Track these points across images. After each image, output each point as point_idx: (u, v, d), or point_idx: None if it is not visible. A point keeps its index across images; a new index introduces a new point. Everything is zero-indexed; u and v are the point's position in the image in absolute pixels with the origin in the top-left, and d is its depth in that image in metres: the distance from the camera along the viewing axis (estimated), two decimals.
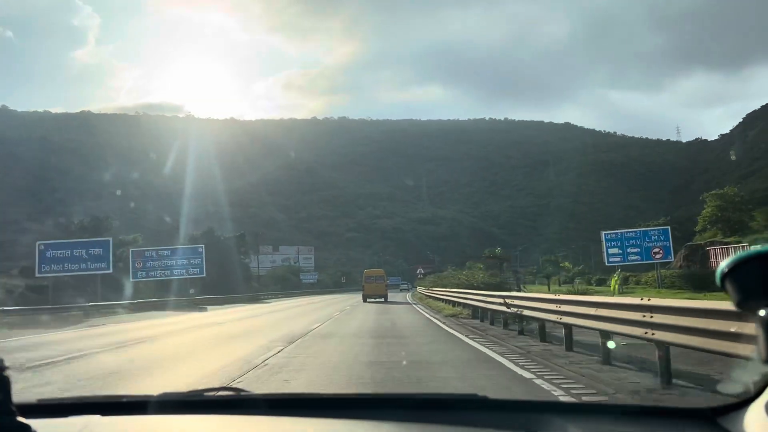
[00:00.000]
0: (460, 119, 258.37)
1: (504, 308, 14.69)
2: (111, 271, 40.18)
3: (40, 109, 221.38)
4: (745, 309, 0.71)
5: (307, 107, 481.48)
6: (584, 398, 6.19)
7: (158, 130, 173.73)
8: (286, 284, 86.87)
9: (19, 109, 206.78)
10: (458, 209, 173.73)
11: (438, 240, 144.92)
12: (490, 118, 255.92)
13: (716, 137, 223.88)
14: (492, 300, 16.94)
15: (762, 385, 0.86)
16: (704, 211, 58.54)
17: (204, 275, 49.17)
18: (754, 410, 0.93)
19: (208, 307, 38.54)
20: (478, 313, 19.96)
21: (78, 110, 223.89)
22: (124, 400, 1.45)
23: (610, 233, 45.24)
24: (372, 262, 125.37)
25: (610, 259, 42.94)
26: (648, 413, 1.21)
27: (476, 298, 19.99)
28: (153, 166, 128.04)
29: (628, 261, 42.49)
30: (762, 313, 0.62)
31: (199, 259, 48.87)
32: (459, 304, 24.45)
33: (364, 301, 39.75)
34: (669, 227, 45.86)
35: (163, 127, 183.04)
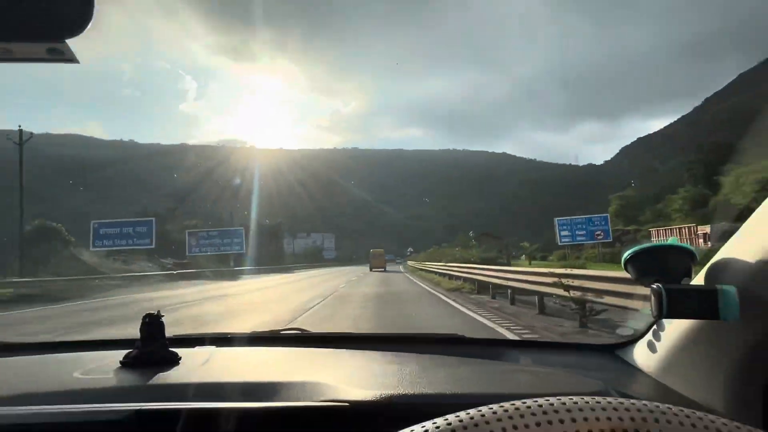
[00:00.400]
0: (432, 149, 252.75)
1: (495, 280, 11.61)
2: (153, 246, 31.83)
3: (154, 142, 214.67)
4: (642, 283, 0.70)
5: (332, 140, 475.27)
6: (526, 337, 5.80)
7: (233, 155, 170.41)
8: (312, 258, 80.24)
9: (141, 141, 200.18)
10: (433, 211, 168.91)
11: (420, 231, 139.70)
12: (453, 149, 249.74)
13: (602, 162, 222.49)
14: (489, 274, 12.41)
15: (646, 329, 0.84)
16: (610, 208, 54.57)
17: (243, 251, 40.16)
18: (641, 345, 0.92)
19: (261, 276, 32.16)
20: (486, 289, 12.75)
21: (179, 143, 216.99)
22: (229, 336, 1.46)
23: (562, 219, 38.67)
24: (374, 244, 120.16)
25: (562, 240, 36.91)
26: (566, 347, 1.18)
27: (488, 273, 12.50)
28: (228, 177, 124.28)
29: (576, 241, 37.18)
30: (654, 286, 0.59)
31: (240, 238, 39.83)
32: (458, 278, 16.89)
33: (371, 270, 36.65)
34: (608, 215, 40.23)
35: (235, 153, 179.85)
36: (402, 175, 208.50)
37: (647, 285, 0.66)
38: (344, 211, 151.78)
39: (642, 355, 0.89)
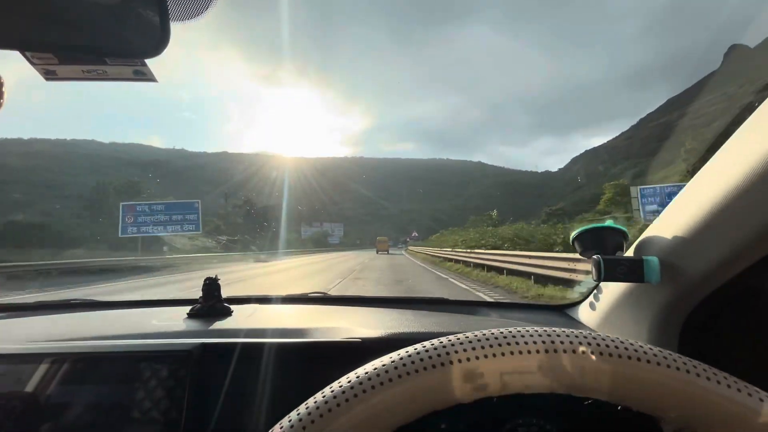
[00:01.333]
0: (422, 158, 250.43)
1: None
2: (200, 231, 24.91)
3: (203, 150, 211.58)
4: (585, 256, 0.68)
5: (343, 151, 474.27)
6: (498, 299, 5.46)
7: (265, 162, 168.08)
8: (318, 243, 70.06)
9: (190, 150, 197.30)
10: (421, 207, 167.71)
11: (411, 222, 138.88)
12: (438, 158, 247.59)
13: (556, 170, 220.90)
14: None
15: (588, 293, 0.85)
16: (605, 196, 49.33)
17: (198, 230, 25.82)
18: (584, 306, 0.90)
19: (280, 258, 30.14)
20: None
21: (221, 150, 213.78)
22: (269, 297, 1.45)
23: (647, 188, 24.31)
24: (375, 232, 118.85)
25: (647, 214, 23.58)
26: (526, 307, 1.19)
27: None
28: (249, 181, 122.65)
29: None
30: (594, 257, 0.59)
31: (196, 214, 24.11)
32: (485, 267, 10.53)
33: (377, 253, 35.86)
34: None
35: (267, 160, 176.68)
36: (398, 178, 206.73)
37: (589, 257, 0.66)
38: (352, 206, 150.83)
39: (584, 313, 0.91)
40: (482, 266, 10.36)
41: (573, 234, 0.73)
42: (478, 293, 6.72)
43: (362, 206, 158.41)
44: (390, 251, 42.14)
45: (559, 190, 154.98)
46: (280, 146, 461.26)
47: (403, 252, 43.39)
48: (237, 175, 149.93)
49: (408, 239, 67.88)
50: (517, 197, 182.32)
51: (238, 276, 10.23)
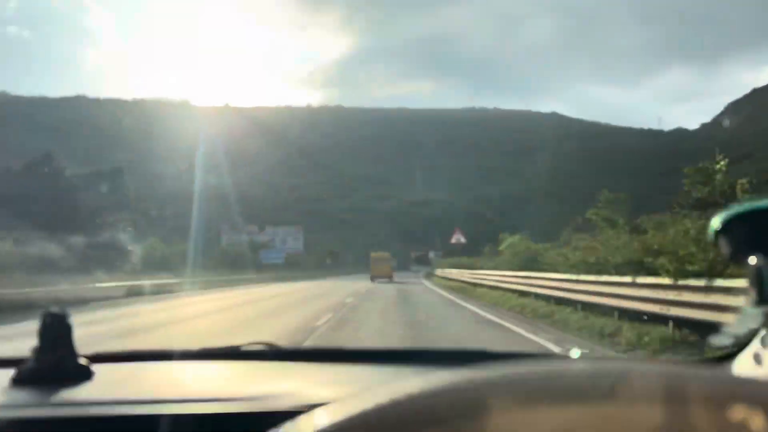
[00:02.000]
0: (450, 108, 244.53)
1: None
2: None
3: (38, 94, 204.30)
4: (736, 262, 0.70)
5: (303, 96, 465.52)
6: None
7: (159, 116, 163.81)
8: (238, 265, 58.62)
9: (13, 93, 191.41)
10: (451, 192, 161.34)
11: (431, 222, 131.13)
12: (479, 107, 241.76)
13: (697, 126, 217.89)
14: None
15: (750, 336, 0.84)
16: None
17: None
18: (743, 359, 0.92)
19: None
20: None
21: (74, 94, 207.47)
22: (171, 352, 1.53)
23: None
24: (366, 243, 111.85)
25: None
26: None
27: None
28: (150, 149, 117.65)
29: None
30: (752, 262, 0.60)
31: None
32: None
33: (372, 281, 38.36)
34: None
35: (162, 114, 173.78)
36: (404, 144, 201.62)
37: (743, 262, 0.66)
38: (319, 195, 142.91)
39: (747, 373, 0.89)
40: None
41: (714, 223, 0.74)
42: None
43: (341, 194, 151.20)
44: (396, 277, 43.42)
45: (698, 162, 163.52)
46: (188, 88, 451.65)
47: (421, 279, 43.85)
48: (100, 137, 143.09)
49: (431, 253, 68.91)
50: (623, 173, 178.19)
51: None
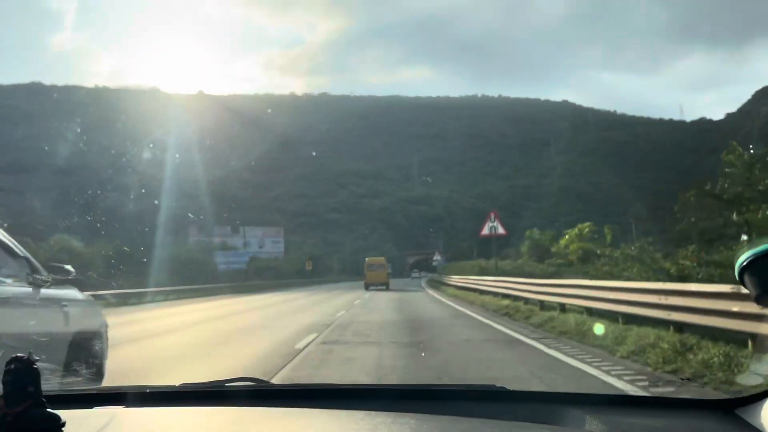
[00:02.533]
0: (451, 96, 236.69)
1: None
2: None
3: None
4: (763, 304, 0.69)
5: (285, 84, 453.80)
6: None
7: (123, 105, 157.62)
8: (189, 272, 50.04)
9: None
10: (453, 189, 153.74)
11: (432, 221, 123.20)
12: (482, 95, 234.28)
13: (723, 116, 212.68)
14: None
15: None
16: None
17: None
18: None
19: None
20: None
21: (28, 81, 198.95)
22: (147, 390, 1.52)
23: None
24: (356, 247, 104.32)
25: None
26: (659, 405, 1.18)
27: None
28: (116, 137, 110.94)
29: None
30: None
31: None
32: None
33: (366, 289, 39.42)
34: None
35: (128, 102, 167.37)
36: (400, 135, 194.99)
37: None
38: (303, 192, 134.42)
39: None
40: None
41: (741, 259, 0.73)
42: None
43: (327, 191, 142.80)
44: (393, 285, 43.70)
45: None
46: (154, 73, 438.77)
47: (422, 284, 45.84)
48: (55, 127, 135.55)
49: (434, 258, 67.49)
50: (646, 168, 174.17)
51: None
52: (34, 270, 4.77)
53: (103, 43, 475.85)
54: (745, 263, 0.73)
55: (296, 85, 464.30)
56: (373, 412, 1.17)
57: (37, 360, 1.08)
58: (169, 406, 1.37)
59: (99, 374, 5.25)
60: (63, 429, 1.05)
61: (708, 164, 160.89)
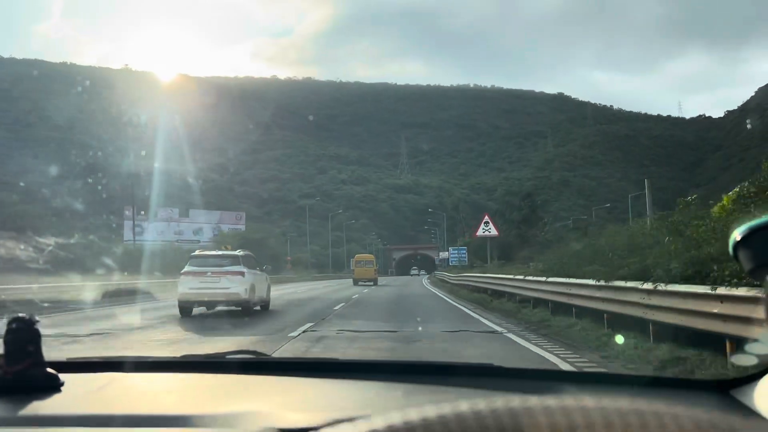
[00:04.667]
0: (442, 85, 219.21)
1: None
2: None
3: None
4: (757, 278, 0.70)
5: (269, 69, 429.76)
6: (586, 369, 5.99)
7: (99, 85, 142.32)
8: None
9: None
10: (444, 179, 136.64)
11: (422, 212, 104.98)
12: (475, 85, 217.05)
13: (723, 114, 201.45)
14: None
15: None
16: None
17: None
18: (766, 382, 0.92)
19: None
20: None
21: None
22: (149, 360, 1.53)
23: None
24: (334, 238, 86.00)
25: None
26: (660, 384, 1.18)
27: None
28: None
29: None
30: None
31: None
32: None
33: (355, 284, 39.22)
34: None
35: (98, 82, 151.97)
36: (388, 123, 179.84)
37: (764, 278, 0.64)
38: (276, 174, 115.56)
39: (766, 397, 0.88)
40: None
41: (734, 233, 0.73)
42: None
43: (303, 174, 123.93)
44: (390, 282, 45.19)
45: (729, 152, 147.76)
46: (127, 53, 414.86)
47: (424, 281, 45.66)
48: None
49: (452, 250, 57.47)
50: (651, 162, 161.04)
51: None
52: (259, 266, 15.59)
53: (82, 28, 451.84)
54: (739, 237, 0.72)
55: (278, 69, 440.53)
56: (369, 383, 1.17)
57: (37, 321, 1.06)
58: (165, 373, 1.37)
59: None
60: (62, 389, 1.04)
61: (712, 162, 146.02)
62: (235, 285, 13.57)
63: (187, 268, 14.26)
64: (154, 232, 68.58)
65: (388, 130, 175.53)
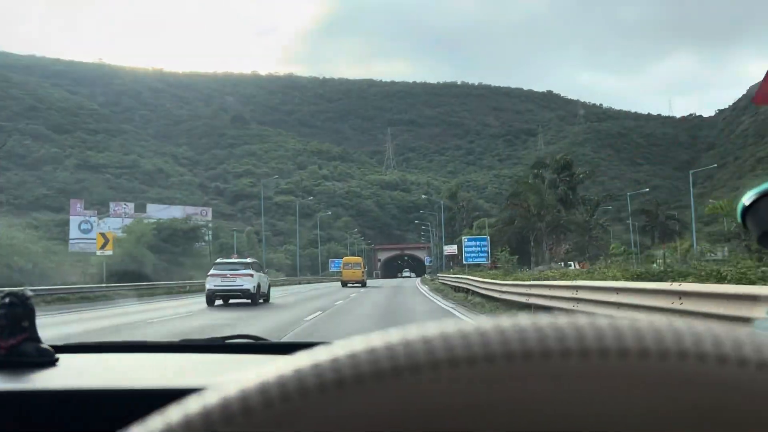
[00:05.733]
0: (428, 82, 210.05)
1: None
2: None
3: None
4: (766, 245, 0.68)
5: (247, 64, 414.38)
6: None
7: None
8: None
9: None
10: (432, 177, 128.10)
11: (409, 210, 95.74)
12: (463, 82, 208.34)
13: (713, 113, 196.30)
14: None
15: None
16: None
17: None
18: None
19: None
20: None
21: None
22: (148, 343, 1.55)
23: None
24: (311, 238, 76.57)
25: None
26: None
27: None
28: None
29: None
30: None
31: None
32: None
33: (343, 286, 39.45)
34: None
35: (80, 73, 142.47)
36: (373, 120, 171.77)
37: None
38: (250, 168, 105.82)
39: None
40: None
41: (743, 199, 0.72)
42: None
43: (279, 169, 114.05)
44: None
45: (723, 150, 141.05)
46: (100, 46, 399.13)
47: (420, 286, 37.65)
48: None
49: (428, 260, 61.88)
50: (646, 161, 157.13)
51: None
52: (262, 268, 20.82)
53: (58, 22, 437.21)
54: (748, 203, 0.71)
55: (258, 65, 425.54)
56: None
57: (31, 296, 1.07)
58: (161, 353, 1.39)
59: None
60: (56, 364, 1.05)
61: (706, 161, 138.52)
62: (246, 283, 18.82)
63: (212, 271, 19.65)
64: (104, 230, 58.68)
65: (373, 126, 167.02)
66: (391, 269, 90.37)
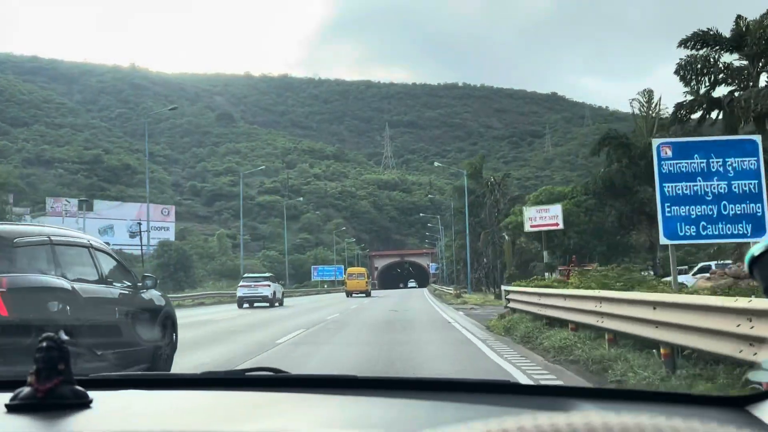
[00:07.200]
0: (429, 83, 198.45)
1: None
2: None
3: None
4: None
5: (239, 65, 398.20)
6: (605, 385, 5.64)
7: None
8: None
9: None
10: (434, 179, 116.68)
11: (410, 212, 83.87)
12: (464, 83, 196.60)
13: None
14: None
15: None
16: None
17: None
18: None
19: None
20: None
21: None
22: (171, 378, 1.57)
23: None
24: (300, 242, 64.59)
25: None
26: (667, 399, 1.15)
27: None
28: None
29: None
30: None
31: None
32: None
33: (348, 296, 40.69)
34: None
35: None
36: (371, 122, 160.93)
37: None
38: (232, 166, 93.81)
39: None
40: None
41: (752, 250, 0.72)
42: None
43: (265, 168, 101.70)
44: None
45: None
46: (85, 45, 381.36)
47: (426, 294, 40.88)
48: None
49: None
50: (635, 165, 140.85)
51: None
52: (278, 280, 30.37)
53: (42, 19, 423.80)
54: (757, 253, 0.70)
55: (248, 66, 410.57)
56: (391, 399, 1.17)
57: (66, 339, 1.08)
58: (189, 390, 1.40)
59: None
60: (91, 406, 1.06)
61: None
62: (266, 291, 25.88)
63: (242, 283, 26.85)
64: None
65: (372, 128, 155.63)
66: (390, 278, 78.43)
